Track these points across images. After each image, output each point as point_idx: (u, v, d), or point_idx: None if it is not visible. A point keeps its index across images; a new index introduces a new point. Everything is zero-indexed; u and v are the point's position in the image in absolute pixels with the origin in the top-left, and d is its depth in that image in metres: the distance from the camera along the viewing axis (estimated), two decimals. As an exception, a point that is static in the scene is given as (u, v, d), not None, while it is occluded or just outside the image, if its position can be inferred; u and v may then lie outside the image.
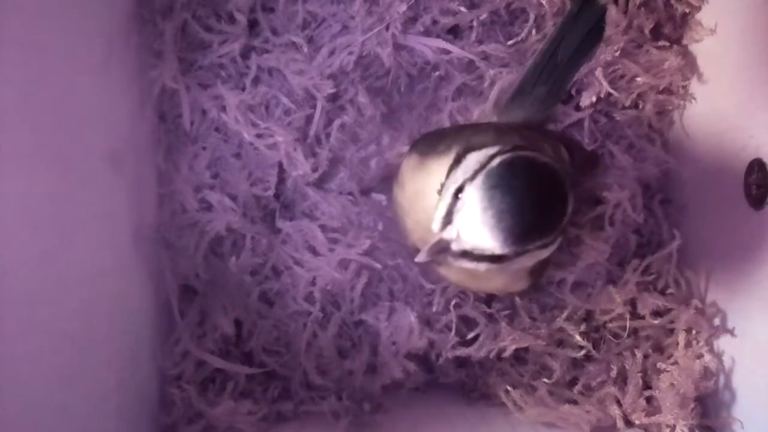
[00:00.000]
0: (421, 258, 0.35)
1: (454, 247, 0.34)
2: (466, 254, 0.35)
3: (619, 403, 0.48)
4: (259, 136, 0.51)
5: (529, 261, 0.36)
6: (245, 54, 0.51)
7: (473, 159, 0.35)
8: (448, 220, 0.35)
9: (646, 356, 0.50)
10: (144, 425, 0.47)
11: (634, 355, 0.50)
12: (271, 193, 0.52)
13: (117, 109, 0.47)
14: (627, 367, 0.49)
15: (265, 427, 0.48)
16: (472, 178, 0.34)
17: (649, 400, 0.49)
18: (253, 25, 0.51)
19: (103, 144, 0.44)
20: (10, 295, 0.33)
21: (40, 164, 0.37)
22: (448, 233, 0.34)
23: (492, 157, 0.34)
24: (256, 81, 0.51)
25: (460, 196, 0.34)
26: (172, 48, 0.49)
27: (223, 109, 0.51)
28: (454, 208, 0.34)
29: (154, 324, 0.49)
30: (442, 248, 0.35)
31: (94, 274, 0.42)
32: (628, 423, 0.47)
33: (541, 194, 0.34)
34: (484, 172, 0.34)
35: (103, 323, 0.42)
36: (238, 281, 0.51)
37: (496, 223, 0.33)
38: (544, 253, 0.36)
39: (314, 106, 0.51)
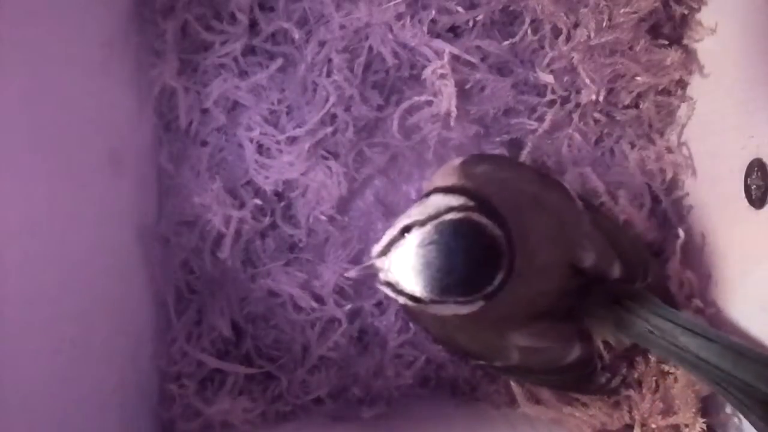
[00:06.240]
0: (351, 273, 0.40)
1: (382, 276, 0.38)
2: (389, 285, 0.37)
3: (632, 406, 0.48)
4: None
5: (446, 310, 0.38)
6: (246, 53, 0.51)
7: (433, 202, 0.38)
8: (386, 250, 0.37)
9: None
10: (144, 423, 0.47)
11: (647, 358, 0.49)
12: (271, 193, 0.52)
13: (117, 109, 0.47)
14: (638, 368, 0.49)
15: (264, 425, 0.49)
16: (423, 223, 0.36)
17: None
18: (253, 24, 0.51)
19: (103, 144, 0.44)
20: (10, 295, 0.33)
21: (40, 164, 0.37)
22: (381, 262, 0.37)
23: (449, 210, 0.37)
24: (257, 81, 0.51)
25: (406, 234, 0.36)
26: (173, 48, 0.49)
27: (224, 108, 0.51)
28: (396, 243, 0.37)
29: (154, 323, 0.50)
30: (371, 273, 0.38)
31: (94, 274, 0.42)
32: (644, 426, 0.46)
33: (473, 261, 0.37)
34: (433, 223, 0.36)
35: (103, 323, 0.43)
36: (236, 282, 0.51)
37: (422, 270, 0.36)
38: (462, 309, 0.38)
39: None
